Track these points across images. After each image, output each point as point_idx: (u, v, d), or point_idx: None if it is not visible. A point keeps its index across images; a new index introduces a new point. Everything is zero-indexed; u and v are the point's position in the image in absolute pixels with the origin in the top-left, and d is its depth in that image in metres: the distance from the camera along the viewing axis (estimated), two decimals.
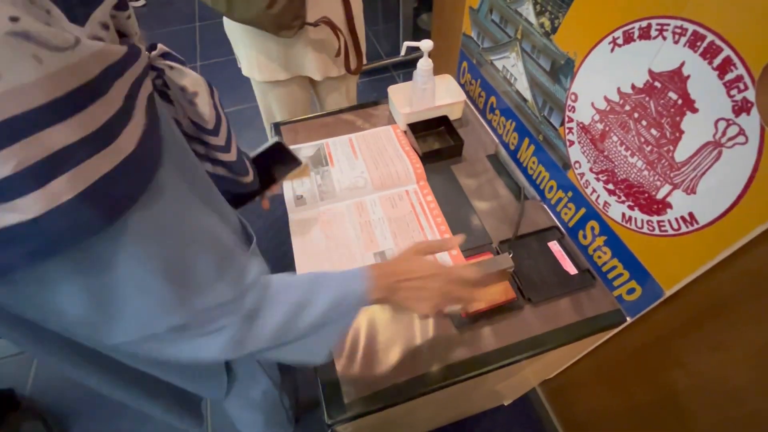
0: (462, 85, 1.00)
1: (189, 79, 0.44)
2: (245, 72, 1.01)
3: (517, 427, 1.15)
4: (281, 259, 0.76)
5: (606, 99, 0.56)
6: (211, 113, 0.47)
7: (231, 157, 0.52)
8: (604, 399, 0.85)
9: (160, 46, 0.43)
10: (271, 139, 0.69)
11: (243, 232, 0.54)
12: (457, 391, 0.75)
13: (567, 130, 0.66)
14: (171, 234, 0.32)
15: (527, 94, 0.74)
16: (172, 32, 2.59)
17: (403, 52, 0.83)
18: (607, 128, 0.57)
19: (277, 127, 0.95)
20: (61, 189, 0.23)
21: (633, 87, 0.51)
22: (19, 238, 0.23)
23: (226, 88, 2.14)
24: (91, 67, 0.24)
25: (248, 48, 0.94)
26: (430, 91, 0.89)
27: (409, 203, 0.78)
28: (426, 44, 0.80)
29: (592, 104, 0.58)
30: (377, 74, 2.29)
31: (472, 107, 0.98)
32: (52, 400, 1.22)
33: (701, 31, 0.41)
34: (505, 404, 1.20)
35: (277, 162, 0.70)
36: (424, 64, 0.84)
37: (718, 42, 0.40)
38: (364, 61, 1.02)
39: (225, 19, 0.92)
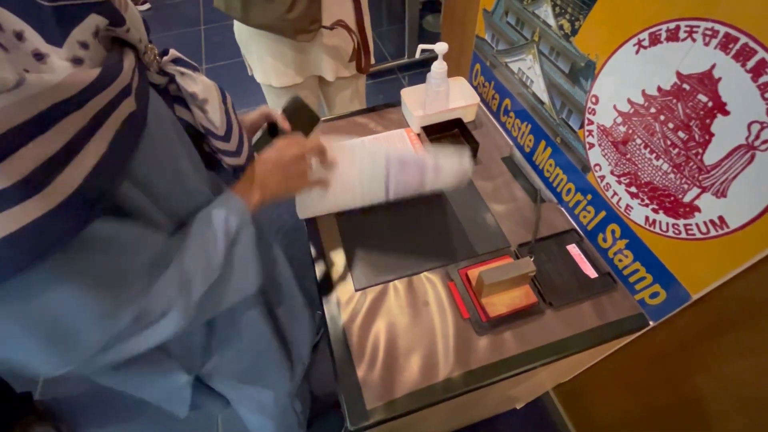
0: (475, 87, 0.99)
1: (200, 86, 0.43)
2: (260, 79, 1.00)
3: (531, 430, 1.14)
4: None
5: (629, 101, 0.55)
6: (222, 120, 0.47)
7: (240, 161, 0.52)
8: (622, 403, 0.84)
9: (172, 51, 0.43)
10: (292, 97, 0.69)
11: None
12: (474, 396, 0.74)
13: (587, 133, 0.65)
14: (100, 258, 0.31)
15: (544, 97, 0.74)
16: (177, 35, 2.59)
17: (417, 54, 0.83)
18: (630, 131, 0.56)
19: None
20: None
21: (659, 89, 0.50)
22: None
23: (231, 91, 2.14)
24: (32, 104, 0.23)
25: (263, 55, 0.94)
26: (444, 94, 0.88)
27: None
28: (441, 47, 0.80)
29: (615, 107, 0.58)
30: (383, 76, 2.29)
31: (485, 110, 0.97)
32: (61, 404, 1.22)
33: (734, 33, 0.40)
34: (518, 407, 1.19)
35: (297, 121, 0.69)
36: (439, 67, 0.83)
37: (753, 44, 0.39)
38: (372, 61, 1.02)
39: (237, 26, 0.92)
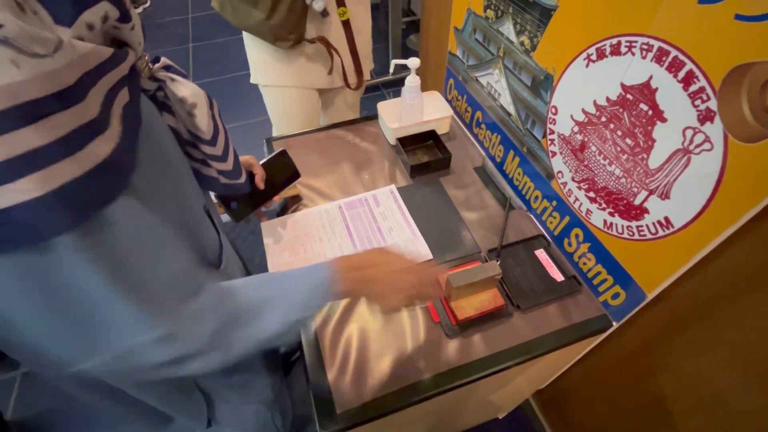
0: (449, 101, 1.03)
1: (189, 91, 0.45)
2: (252, 79, 1.04)
3: None
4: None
5: (584, 111, 0.59)
6: (209, 125, 0.48)
7: (227, 166, 0.54)
8: (596, 407, 0.85)
9: (163, 59, 0.45)
10: (277, 150, 0.74)
11: (219, 253, 0.54)
12: (451, 403, 0.75)
13: (549, 142, 0.68)
14: (133, 244, 0.32)
15: (511, 109, 0.77)
16: (166, 53, 2.63)
17: (391, 69, 0.87)
18: (585, 139, 0.60)
19: (269, 141, 0.97)
20: (30, 187, 0.23)
21: (608, 99, 0.54)
22: None
23: (220, 106, 2.17)
24: (68, 74, 0.25)
25: (254, 50, 0.98)
26: (418, 107, 0.92)
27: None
28: (413, 62, 0.84)
29: (571, 116, 0.61)
30: (368, 92, 2.34)
31: (459, 122, 1.01)
32: (34, 424, 1.18)
33: (665, 47, 0.44)
34: (500, 417, 1.19)
35: (279, 173, 0.74)
36: (412, 81, 0.87)
37: (681, 57, 0.43)
38: (368, 77, 1.07)
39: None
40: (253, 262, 1.44)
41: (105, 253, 0.29)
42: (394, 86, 2.37)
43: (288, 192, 0.80)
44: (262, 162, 0.70)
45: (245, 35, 0.97)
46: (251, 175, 0.67)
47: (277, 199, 0.77)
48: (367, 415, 0.56)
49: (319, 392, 0.58)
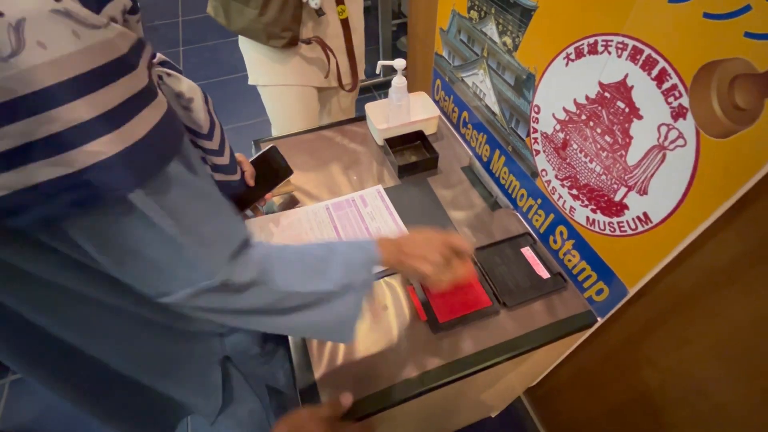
0: (437, 102, 1.04)
1: (185, 85, 0.47)
2: (251, 80, 1.04)
3: None
4: None
5: (565, 110, 0.59)
6: (205, 118, 0.50)
7: (224, 160, 0.56)
8: (585, 403, 0.86)
9: (159, 55, 0.46)
10: (268, 147, 0.74)
11: None
12: (441, 401, 0.75)
13: (533, 141, 0.69)
14: (192, 197, 0.34)
15: (496, 108, 0.78)
16: None
17: (378, 70, 0.87)
18: (567, 137, 0.61)
19: (257, 143, 0.97)
20: (105, 148, 0.26)
21: (587, 98, 0.55)
22: (65, 190, 0.26)
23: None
24: (121, 43, 0.27)
25: (250, 51, 0.98)
26: (405, 107, 0.92)
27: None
28: (399, 63, 0.84)
29: (553, 115, 0.62)
30: (360, 94, 2.35)
31: (447, 122, 1.01)
32: None
33: (639, 45, 0.45)
34: (493, 416, 1.20)
35: (269, 170, 0.74)
36: (398, 82, 0.88)
37: (654, 55, 0.43)
38: (362, 76, 1.09)
39: None
40: None
41: (171, 206, 0.32)
42: (384, 88, 2.38)
43: (281, 189, 0.80)
44: (251, 159, 0.71)
45: (240, 38, 0.97)
46: (241, 173, 0.67)
47: (270, 197, 0.77)
48: (355, 415, 0.56)
49: (306, 391, 0.58)
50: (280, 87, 1.02)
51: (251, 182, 0.69)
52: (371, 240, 0.50)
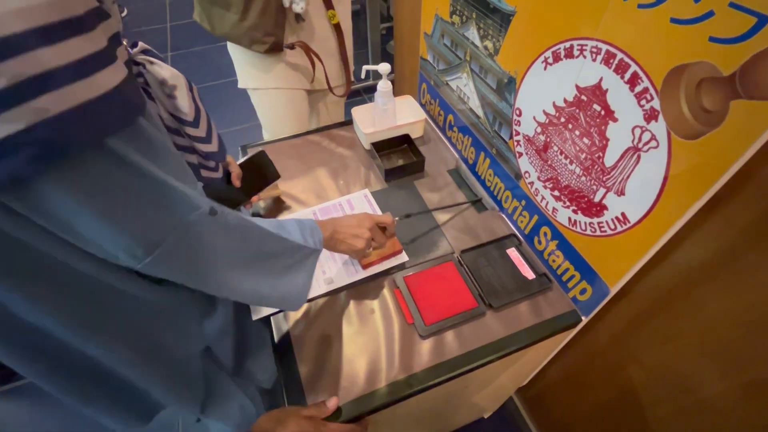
0: (423, 105, 1.05)
1: (169, 73, 0.47)
2: (240, 84, 1.04)
3: None
4: None
5: (545, 113, 0.60)
6: (190, 105, 0.51)
7: (213, 147, 0.57)
8: (574, 401, 0.87)
9: (141, 43, 0.47)
10: (256, 150, 0.75)
11: None
12: (433, 403, 0.76)
13: (515, 143, 0.70)
14: (169, 152, 0.35)
15: (480, 112, 0.79)
16: None
17: (363, 75, 0.88)
18: (548, 139, 0.61)
19: (244, 148, 0.97)
20: (49, 105, 0.25)
21: (565, 101, 0.56)
22: (16, 148, 0.25)
23: None
24: (77, 5, 0.27)
25: (238, 55, 0.98)
26: (391, 111, 0.93)
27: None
28: (383, 67, 0.85)
29: (534, 118, 0.63)
30: (348, 98, 2.35)
31: (433, 125, 1.02)
32: None
33: (612, 49, 0.46)
34: (485, 417, 1.20)
35: (257, 173, 0.74)
36: (383, 86, 0.88)
37: (626, 59, 0.44)
38: (352, 78, 1.09)
39: None
40: None
41: (150, 153, 0.32)
42: (374, 91, 2.39)
43: (268, 193, 0.80)
44: (239, 161, 0.71)
45: (228, 43, 0.98)
46: (228, 174, 0.68)
47: (256, 200, 0.77)
48: (341, 418, 0.56)
49: (293, 396, 0.58)
50: (270, 90, 1.03)
51: (237, 183, 0.69)
52: (312, 219, 0.56)
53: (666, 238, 0.47)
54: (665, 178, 0.44)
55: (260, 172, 0.77)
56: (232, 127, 2.13)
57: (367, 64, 2.29)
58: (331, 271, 0.72)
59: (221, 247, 0.41)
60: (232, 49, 0.98)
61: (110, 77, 0.29)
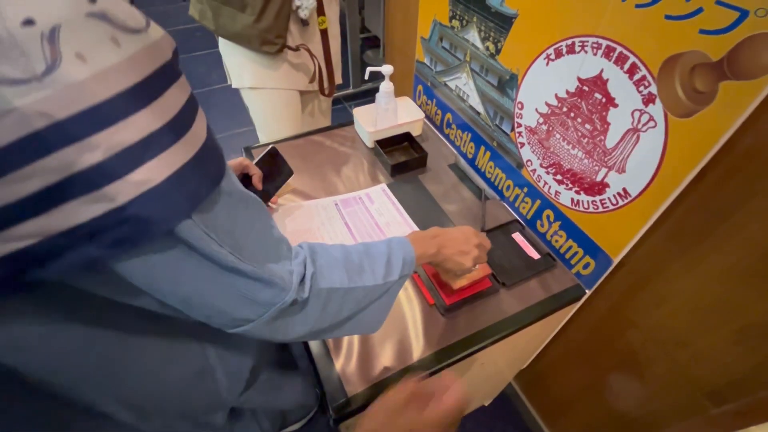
0: (419, 106, 1.10)
1: None
2: (235, 84, 1.05)
3: (499, 422, 1.20)
4: None
5: (547, 104, 0.67)
6: None
7: None
8: (574, 376, 0.93)
9: None
10: (268, 149, 0.76)
11: None
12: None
13: (517, 134, 0.76)
14: (239, 217, 0.31)
15: (480, 108, 0.85)
16: None
17: (366, 76, 0.92)
18: (550, 128, 0.68)
19: (248, 150, 0.98)
20: (148, 176, 0.22)
21: (567, 92, 0.62)
22: (107, 229, 0.21)
23: None
24: (165, 49, 0.24)
25: (235, 56, 0.99)
26: (393, 111, 0.98)
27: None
28: (387, 69, 0.90)
29: (536, 110, 0.69)
30: (335, 104, 2.39)
31: (430, 124, 1.08)
32: None
33: (612, 44, 0.53)
34: (486, 404, 1.25)
35: (273, 171, 0.76)
36: (386, 87, 0.93)
37: (625, 52, 0.51)
38: (339, 81, 1.14)
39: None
40: None
41: (222, 230, 0.28)
42: (353, 99, 2.45)
43: (284, 191, 0.82)
44: (255, 161, 0.72)
45: (223, 43, 0.99)
46: (247, 176, 0.68)
47: (276, 200, 0.78)
48: (375, 396, 0.58)
49: (329, 381, 0.60)
50: (267, 90, 1.05)
51: (260, 186, 0.70)
52: (404, 238, 0.51)
53: (664, 206, 0.54)
54: (663, 153, 0.51)
55: (276, 170, 0.78)
56: (222, 133, 2.10)
57: (347, 73, 2.35)
58: None
59: (312, 317, 0.39)
60: (229, 48, 1.00)
61: (201, 123, 0.26)
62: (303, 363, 0.68)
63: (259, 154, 0.94)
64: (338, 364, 0.62)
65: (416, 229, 0.81)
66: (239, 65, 1.02)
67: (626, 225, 0.60)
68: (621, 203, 0.60)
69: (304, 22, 0.94)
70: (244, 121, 2.06)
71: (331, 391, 0.59)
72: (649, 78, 0.50)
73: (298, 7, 0.90)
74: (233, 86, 1.06)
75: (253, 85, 1.04)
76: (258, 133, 1.18)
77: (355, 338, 0.64)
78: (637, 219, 0.58)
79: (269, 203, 0.77)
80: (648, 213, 0.56)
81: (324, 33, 1.00)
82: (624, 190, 0.59)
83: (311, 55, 0.98)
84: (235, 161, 0.68)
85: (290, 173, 0.81)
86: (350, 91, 2.41)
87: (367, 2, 2.40)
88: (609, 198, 0.62)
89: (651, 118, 0.51)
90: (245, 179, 0.70)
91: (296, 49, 0.96)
